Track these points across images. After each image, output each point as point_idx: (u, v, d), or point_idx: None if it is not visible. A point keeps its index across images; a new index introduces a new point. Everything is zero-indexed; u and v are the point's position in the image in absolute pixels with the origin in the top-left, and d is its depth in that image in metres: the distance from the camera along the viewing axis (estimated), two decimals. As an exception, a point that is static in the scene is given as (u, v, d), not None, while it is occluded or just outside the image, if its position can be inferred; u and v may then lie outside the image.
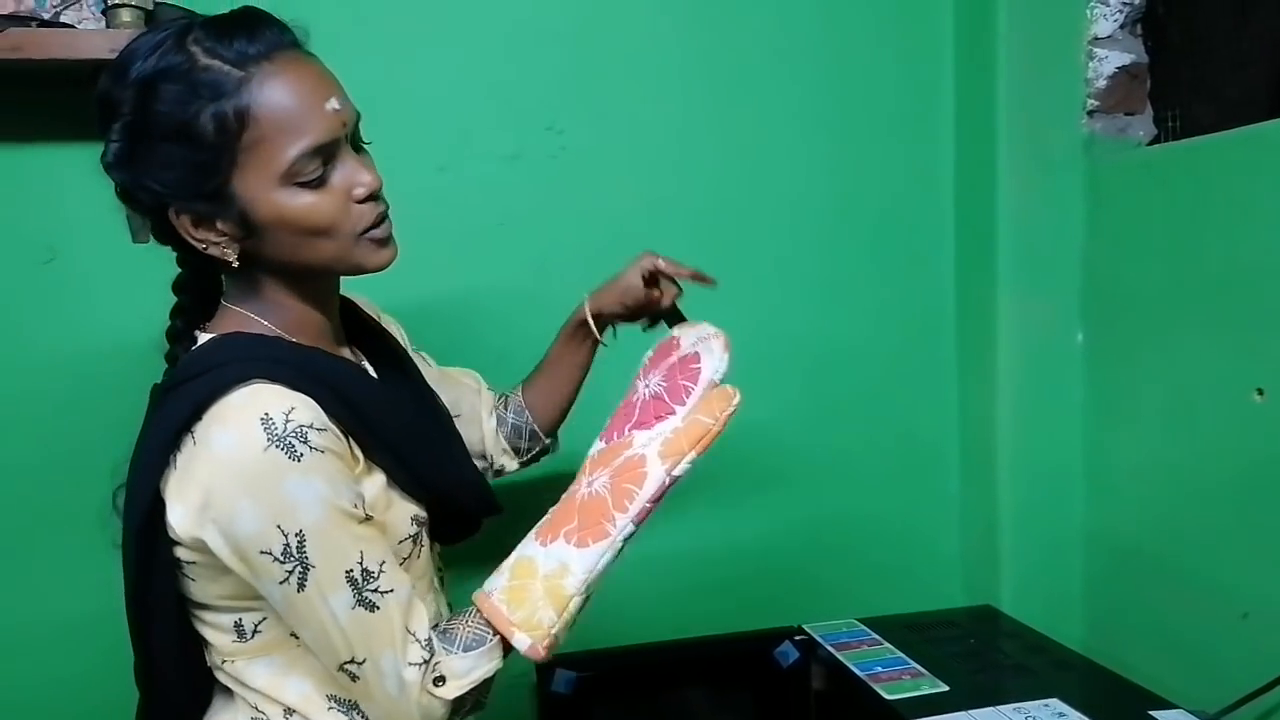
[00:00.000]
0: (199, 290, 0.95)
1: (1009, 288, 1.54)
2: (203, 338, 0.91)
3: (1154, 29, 1.52)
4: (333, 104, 0.86)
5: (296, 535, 0.82)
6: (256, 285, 0.92)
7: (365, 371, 1.00)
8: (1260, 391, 1.22)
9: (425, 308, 1.47)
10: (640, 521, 0.92)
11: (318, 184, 0.85)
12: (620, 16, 1.52)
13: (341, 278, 0.97)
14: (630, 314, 1.14)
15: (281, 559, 0.82)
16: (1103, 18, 1.50)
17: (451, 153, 1.47)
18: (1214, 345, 1.29)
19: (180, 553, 0.87)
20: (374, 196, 0.89)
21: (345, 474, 0.86)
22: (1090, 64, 1.51)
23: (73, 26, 1.30)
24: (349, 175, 0.87)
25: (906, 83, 1.62)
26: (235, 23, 0.84)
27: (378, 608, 0.86)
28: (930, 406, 1.67)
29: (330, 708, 0.93)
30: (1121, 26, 1.51)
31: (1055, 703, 1.20)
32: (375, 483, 0.92)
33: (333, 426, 0.86)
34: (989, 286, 1.56)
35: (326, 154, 0.86)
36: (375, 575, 0.86)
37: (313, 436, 0.82)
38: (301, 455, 0.81)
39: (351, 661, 0.86)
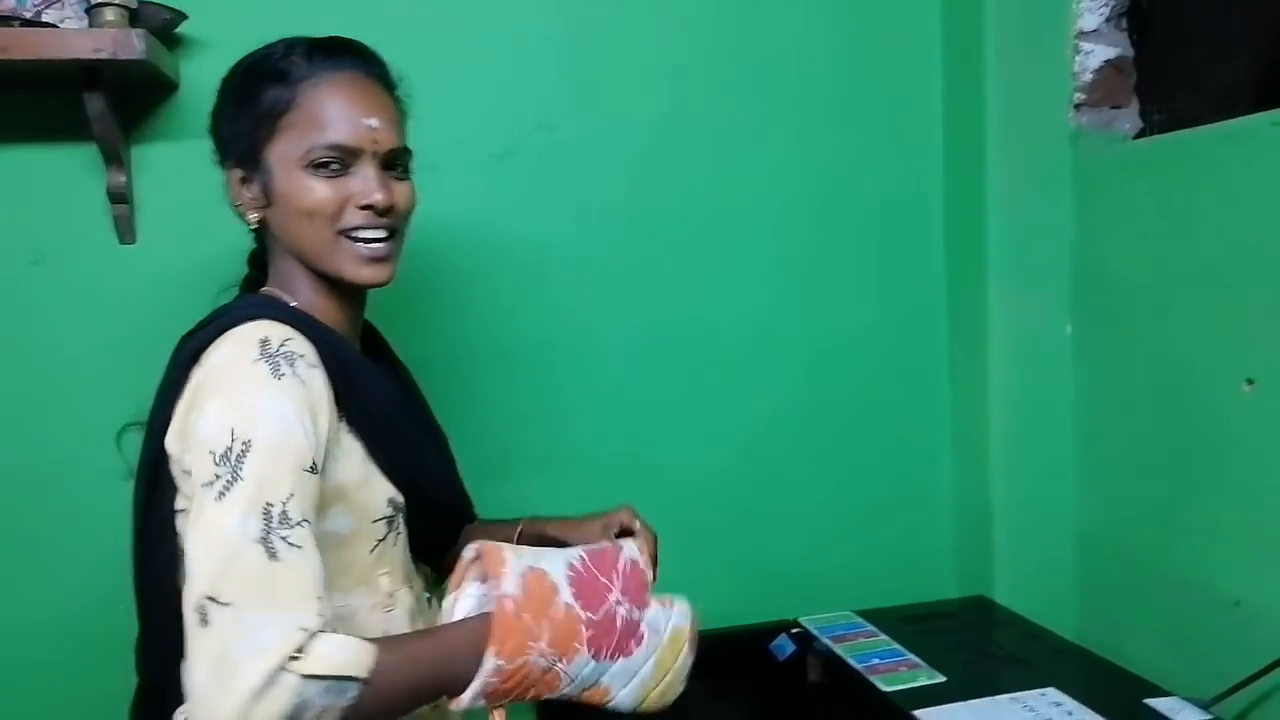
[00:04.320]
0: (262, 264, 1.06)
1: (999, 281, 1.55)
2: None
3: (1139, 22, 1.52)
4: (372, 122, 0.97)
5: (243, 444, 0.83)
6: (283, 267, 1.01)
7: (364, 357, 1.05)
8: (1250, 382, 1.23)
9: (423, 308, 1.47)
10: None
11: (332, 177, 0.96)
12: (609, 12, 1.52)
13: (366, 295, 1.05)
14: None
15: (218, 463, 0.83)
16: (1088, 11, 1.51)
17: (443, 151, 1.46)
18: (1203, 336, 1.30)
19: (178, 502, 0.92)
20: (374, 209, 0.97)
21: (317, 414, 0.89)
22: (1076, 58, 1.52)
23: (56, 26, 1.29)
24: (364, 183, 0.97)
25: (895, 79, 1.63)
26: (330, 43, 1.00)
27: (277, 558, 0.80)
28: (922, 400, 1.67)
29: None
30: (1107, 20, 1.52)
31: (1052, 691, 1.21)
32: (354, 451, 0.95)
33: (323, 370, 0.91)
34: (979, 280, 1.57)
35: (347, 155, 0.96)
36: (290, 524, 0.82)
37: (300, 366, 0.89)
38: (283, 375, 0.87)
39: (213, 600, 0.77)
